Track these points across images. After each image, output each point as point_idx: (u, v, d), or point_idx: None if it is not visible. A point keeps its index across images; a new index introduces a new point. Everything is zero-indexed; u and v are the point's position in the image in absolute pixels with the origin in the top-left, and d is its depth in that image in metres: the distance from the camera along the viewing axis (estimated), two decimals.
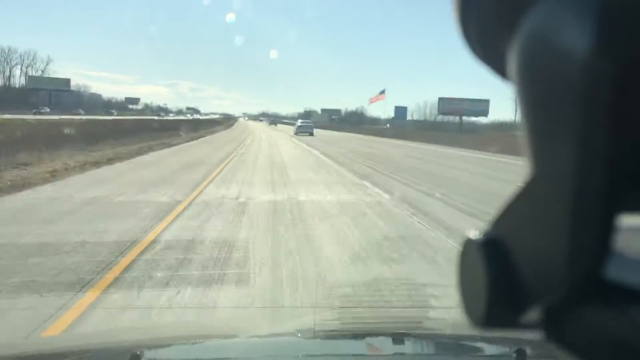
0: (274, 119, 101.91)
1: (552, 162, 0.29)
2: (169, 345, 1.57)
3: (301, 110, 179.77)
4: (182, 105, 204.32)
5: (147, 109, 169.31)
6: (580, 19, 0.26)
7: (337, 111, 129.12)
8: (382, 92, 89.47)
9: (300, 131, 43.77)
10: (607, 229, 0.28)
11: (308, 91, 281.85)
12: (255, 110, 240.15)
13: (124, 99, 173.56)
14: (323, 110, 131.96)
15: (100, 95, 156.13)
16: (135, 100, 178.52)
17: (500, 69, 0.35)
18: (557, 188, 0.29)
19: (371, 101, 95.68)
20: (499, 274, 0.33)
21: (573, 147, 0.27)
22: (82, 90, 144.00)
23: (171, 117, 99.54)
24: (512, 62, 0.32)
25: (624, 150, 0.27)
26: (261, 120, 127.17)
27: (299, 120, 52.48)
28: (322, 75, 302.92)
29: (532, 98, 0.30)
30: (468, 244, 0.36)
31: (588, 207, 0.27)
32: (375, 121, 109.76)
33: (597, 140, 0.27)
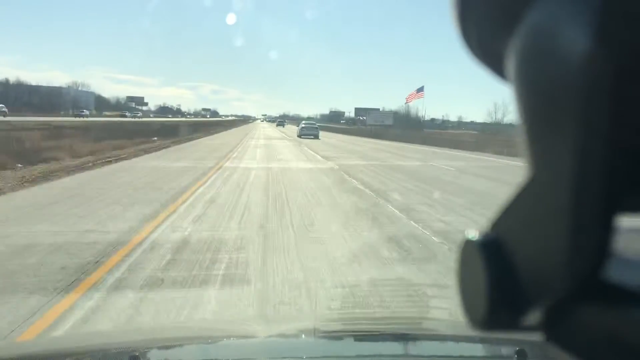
0: (281, 120, 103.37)
1: (551, 163, 0.29)
2: (168, 346, 1.54)
3: (326, 111, 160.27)
4: (207, 107, 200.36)
5: (152, 110, 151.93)
6: (578, 19, 0.26)
7: (375, 110, 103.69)
8: (421, 89, 75.01)
9: (304, 133, 42.05)
10: (606, 230, 0.27)
11: (334, 92, 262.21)
12: (276, 111, 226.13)
13: (125, 97, 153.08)
14: (358, 110, 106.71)
15: (92, 94, 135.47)
16: (139, 100, 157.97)
17: (498, 69, 0.35)
18: (556, 189, 0.28)
19: (408, 99, 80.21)
20: (498, 275, 0.32)
21: (572, 147, 0.27)
22: (74, 87, 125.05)
23: (157, 117, 78.17)
24: (511, 62, 0.31)
25: (623, 151, 0.26)
26: (273, 122, 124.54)
27: (303, 122, 51.93)
28: (349, 75, 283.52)
29: (530, 98, 0.30)
30: (467, 245, 0.35)
31: (587, 208, 0.27)
32: (430, 124, 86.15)
33: (595, 142, 0.26)
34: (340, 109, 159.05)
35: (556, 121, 0.28)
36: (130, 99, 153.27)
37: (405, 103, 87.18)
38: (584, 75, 0.26)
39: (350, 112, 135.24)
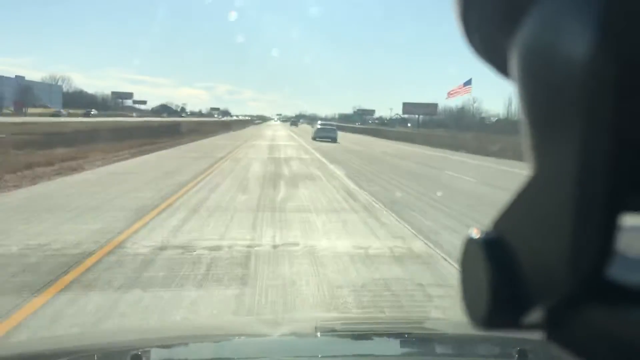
0: (294, 120, 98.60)
1: (554, 162, 0.29)
2: (171, 345, 1.54)
3: (345, 110, 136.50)
4: (223, 107, 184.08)
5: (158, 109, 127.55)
6: (581, 20, 0.26)
7: (433, 106, 75.51)
8: (468, 82, 57.74)
9: (319, 136, 35.88)
10: (609, 229, 0.27)
11: (353, 91, 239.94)
12: (292, 111, 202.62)
13: (110, 93, 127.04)
14: (406, 105, 78.50)
15: (59, 87, 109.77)
16: (128, 95, 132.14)
17: (502, 68, 0.35)
18: (558, 188, 0.28)
19: (451, 95, 62.77)
20: (500, 274, 0.32)
21: (575, 147, 0.27)
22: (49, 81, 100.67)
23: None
24: (514, 62, 0.31)
25: (625, 150, 0.26)
26: (288, 122, 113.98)
27: (319, 123, 45.04)
28: (367, 75, 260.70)
29: (533, 98, 0.30)
30: (469, 243, 0.35)
31: (590, 207, 0.27)
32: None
33: (599, 141, 0.26)
34: (357, 108, 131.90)
35: (560, 118, 0.28)
36: (117, 95, 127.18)
37: (447, 98, 66.05)
38: (588, 72, 0.25)
39: (394, 110, 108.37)
